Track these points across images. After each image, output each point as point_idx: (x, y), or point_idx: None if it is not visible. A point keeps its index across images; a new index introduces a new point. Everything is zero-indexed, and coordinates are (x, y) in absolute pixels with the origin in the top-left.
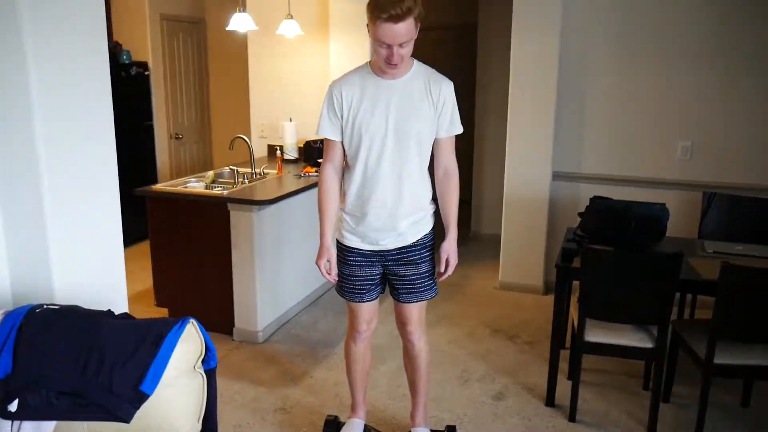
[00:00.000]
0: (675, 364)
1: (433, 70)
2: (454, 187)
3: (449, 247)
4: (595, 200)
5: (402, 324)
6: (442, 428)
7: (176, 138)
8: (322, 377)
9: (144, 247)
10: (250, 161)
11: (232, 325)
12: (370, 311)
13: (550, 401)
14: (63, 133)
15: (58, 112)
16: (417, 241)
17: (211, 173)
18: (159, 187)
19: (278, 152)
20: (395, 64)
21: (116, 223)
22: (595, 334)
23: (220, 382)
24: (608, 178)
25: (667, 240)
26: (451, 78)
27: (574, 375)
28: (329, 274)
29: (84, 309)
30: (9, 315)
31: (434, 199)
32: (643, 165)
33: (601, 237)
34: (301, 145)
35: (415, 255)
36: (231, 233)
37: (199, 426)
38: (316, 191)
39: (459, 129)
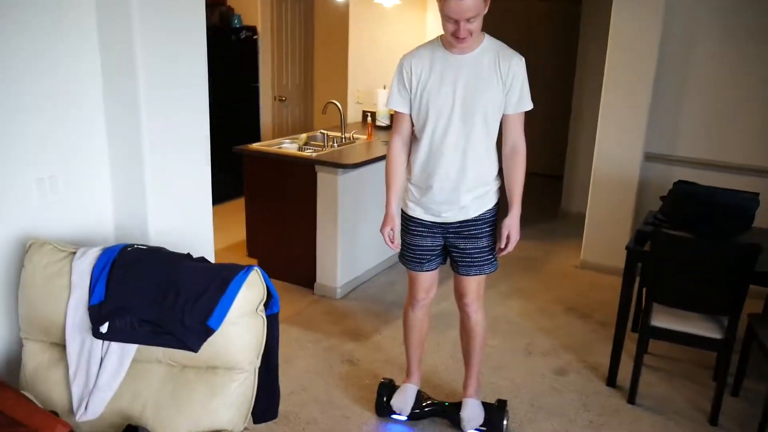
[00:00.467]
0: (747, 357)
1: (504, 45)
2: (520, 163)
3: (511, 224)
4: (679, 184)
5: (460, 296)
6: (495, 399)
7: (280, 100)
8: (390, 335)
9: (242, 202)
10: (341, 126)
11: (314, 280)
12: (429, 280)
13: (611, 381)
14: (162, 95)
15: (158, 77)
16: (479, 215)
17: (304, 136)
18: (254, 146)
19: (369, 118)
20: (463, 38)
21: (206, 178)
22: (662, 320)
23: (298, 331)
24: (704, 163)
25: (756, 231)
26: (549, 54)
27: (637, 358)
28: (392, 242)
29: (167, 251)
30: (106, 251)
31: (500, 175)
32: (742, 151)
33: (682, 222)
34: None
35: (476, 229)
36: (317, 193)
37: (258, 361)
38: None
39: (528, 106)
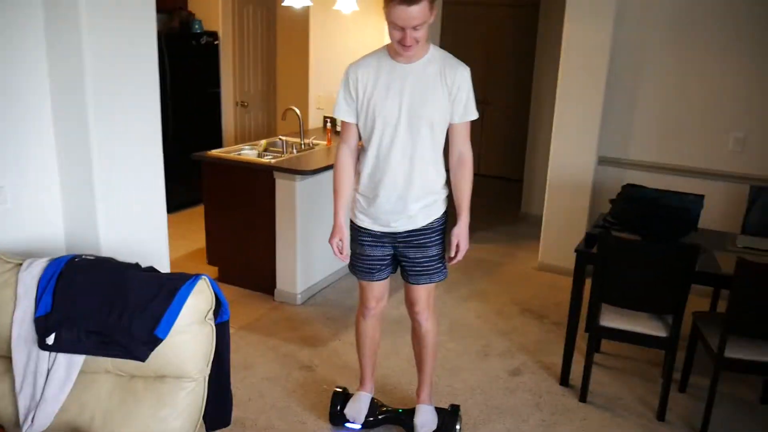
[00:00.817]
0: (693, 354)
1: (450, 55)
2: (468, 172)
3: (460, 233)
4: (627, 187)
5: (410, 304)
6: (448, 404)
7: (242, 106)
8: (348, 341)
9: (202, 210)
10: (300, 132)
11: (274, 286)
12: (380, 289)
13: (564, 381)
14: (111, 104)
15: (107, 83)
16: (427, 224)
17: (263, 142)
18: (213, 152)
19: (329, 124)
20: (408, 47)
21: (159, 187)
22: (611, 319)
23: (257, 338)
24: (656, 166)
25: (701, 233)
26: (510, 58)
27: (587, 357)
28: (341, 253)
29: (116, 261)
30: (53, 262)
31: (448, 184)
32: (692, 155)
33: (629, 224)
34: None
35: (425, 238)
36: (276, 200)
37: (208, 369)
38: None
39: (473, 115)
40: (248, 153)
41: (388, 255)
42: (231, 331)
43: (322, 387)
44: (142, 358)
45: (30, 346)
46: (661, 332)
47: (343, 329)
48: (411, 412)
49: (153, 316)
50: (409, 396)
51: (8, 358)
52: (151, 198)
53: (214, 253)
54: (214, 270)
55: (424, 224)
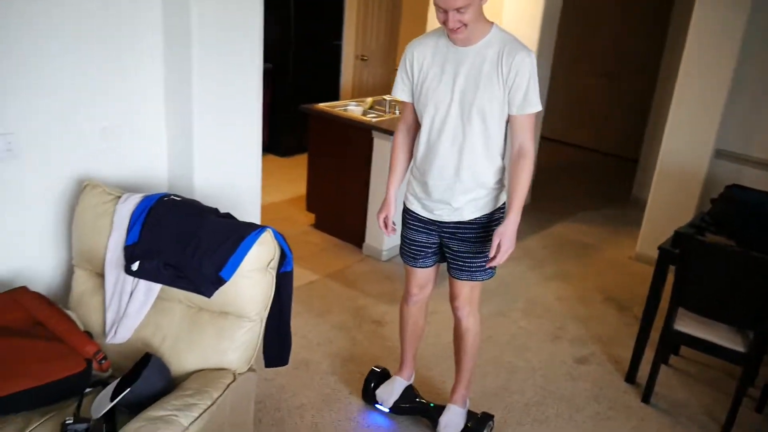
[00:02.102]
0: None
1: (512, 38)
2: (525, 168)
3: (504, 231)
4: (731, 188)
5: (451, 298)
6: (484, 407)
7: (362, 59)
8: None
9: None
10: None
11: (363, 240)
12: (423, 277)
13: (630, 378)
14: (213, 55)
15: (211, 39)
16: (474, 218)
17: (369, 100)
18: (319, 106)
19: None
20: (453, 30)
21: (255, 139)
22: (686, 325)
23: (339, 287)
24: None
25: None
26: (642, 34)
27: (656, 357)
28: (386, 228)
29: (199, 204)
30: (146, 199)
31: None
32: None
33: (726, 228)
34: None
35: (470, 233)
36: (372, 158)
37: (265, 313)
38: None
39: (534, 108)
40: (353, 109)
41: (434, 243)
42: (315, 277)
43: (386, 343)
44: (208, 294)
45: (118, 269)
46: (739, 346)
47: None
48: (441, 410)
49: (220, 259)
50: (446, 390)
51: (102, 277)
52: (246, 149)
53: (313, 201)
54: (311, 217)
55: (471, 218)
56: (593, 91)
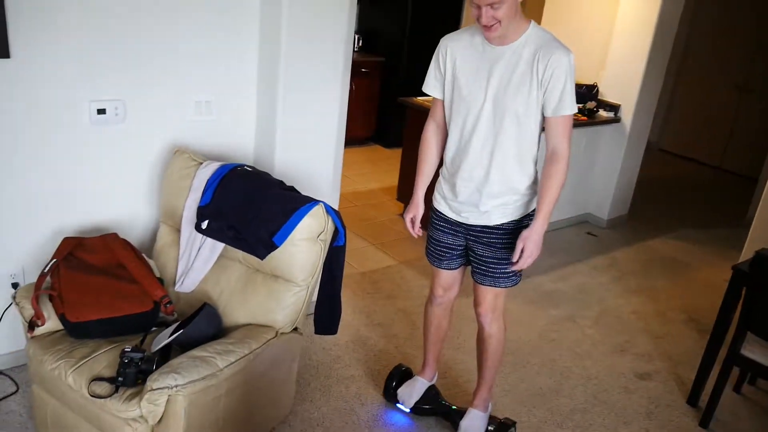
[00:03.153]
0: None
1: (551, 37)
2: (557, 172)
3: (528, 236)
4: None
5: (475, 303)
6: (510, 411)
7: None
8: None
9: None
10: None
11: None
12: (448, 279)
13: (692, 400)
14: (299, 44)
15: (299, 28)
16: (502, 224)
17: None
18: (416, 99)
19: None
20: (488, 27)
21: (336, 123)
22: (754, 351)
23: (412, 274)
24: None
25: None
26: None
27: (718, 381)
28: (413, 228)
29: (267, 176)
30: (223, 167)
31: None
32: None
33: None
34: None
35: (496, 238)
36: None
37: (312, 280)
38: None
39: (569, 110)
40: None
41: (460, 245)
42: (393, 263)
43: (448, 334)
44: (261, 257)
45: (191, 227)
46: None
47: None
48: (463, 412)
49: (274, 226)
50: (470, 393)
51: (179, 232)
52: (327, 132)
53: (403, 191)
54: (400, 206)
55: (498, 222)
56: (721, 104)
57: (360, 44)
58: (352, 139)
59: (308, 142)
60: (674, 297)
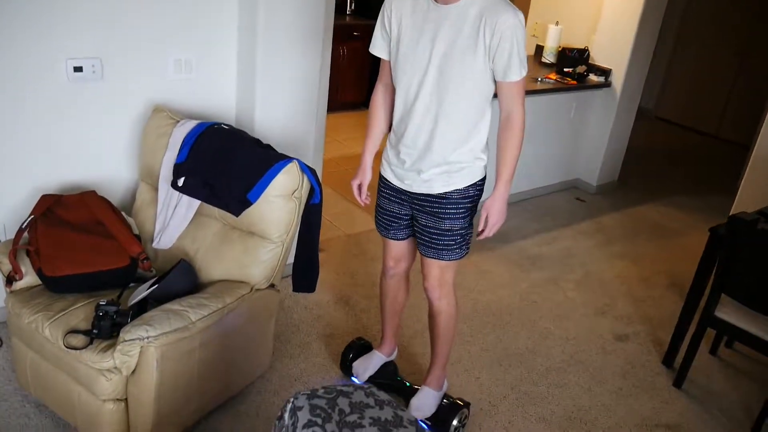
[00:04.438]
0: None
1: None
2: (513, 138)
3: (491, 204)
4: None
5: (423, 276)
6: (464, 394)
7: None
8: (491, 269)
9: None
10: None
11: None
12: (397, 250)
13: (667, 361)
14: (278, 9)
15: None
16: (445, 192)
17: None
18: None
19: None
20: None
21: (315, 85)
22: (728, 313)
23: None
24: None
25: None
26: None
27: (691, 343)
28: (360, 195)
29: (244, 134)
30: (200, 125)
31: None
32: None
33: None
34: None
35: (440, 208)
36: None
37: (287, 237)
38: (541, 98)
39: (516, 75)
40: None
41: (406, 215)
42: None
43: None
44: (236, 213)
45: (168, 184)
46: None
47: (477, 253)
48: (415, 391)
49: (248, 183)
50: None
51: (157, 190)
52: (307, 94)
53: None
54: None
55: (441, 191)
56: (720, 72)
57: (352, 8)
58: (343, 104)
59: (288, 102)
60: (659, 262)
